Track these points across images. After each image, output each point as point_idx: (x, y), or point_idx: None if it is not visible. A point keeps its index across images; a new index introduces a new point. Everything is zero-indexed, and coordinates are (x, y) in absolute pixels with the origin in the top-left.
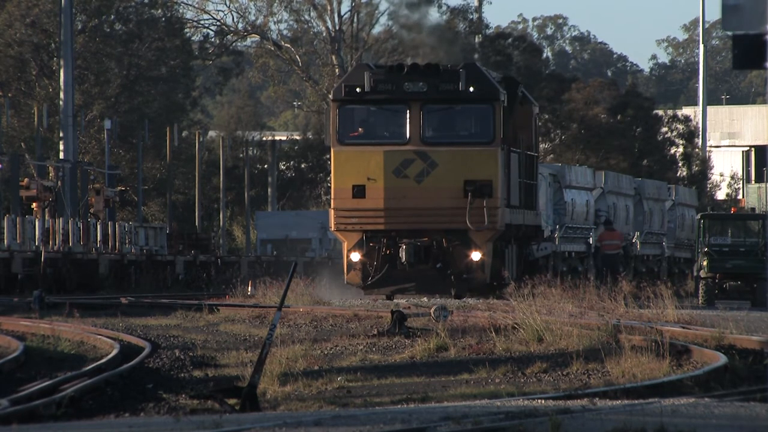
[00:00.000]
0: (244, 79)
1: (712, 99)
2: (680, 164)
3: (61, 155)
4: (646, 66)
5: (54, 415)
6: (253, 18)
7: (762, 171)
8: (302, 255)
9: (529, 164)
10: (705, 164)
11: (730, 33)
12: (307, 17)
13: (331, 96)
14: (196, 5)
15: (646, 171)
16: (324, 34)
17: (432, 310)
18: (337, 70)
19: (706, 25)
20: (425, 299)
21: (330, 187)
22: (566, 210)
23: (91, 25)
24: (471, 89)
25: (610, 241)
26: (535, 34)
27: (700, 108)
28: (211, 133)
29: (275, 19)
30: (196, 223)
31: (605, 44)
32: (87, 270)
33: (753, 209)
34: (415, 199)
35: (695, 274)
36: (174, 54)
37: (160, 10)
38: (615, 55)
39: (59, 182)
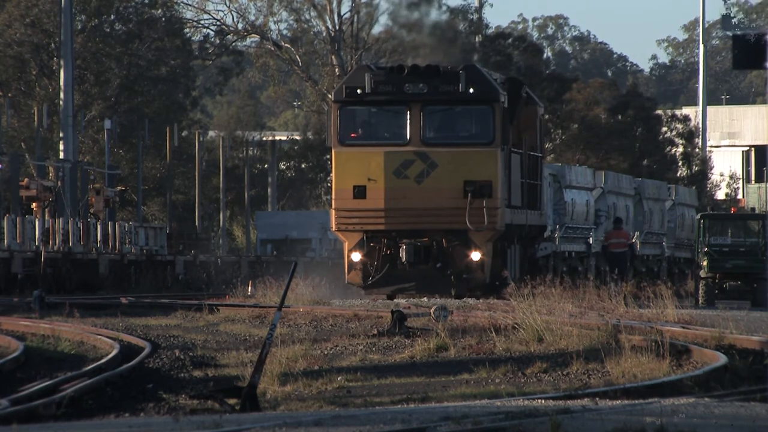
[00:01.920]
0: (244, 79)
1: (712, 99)
2: (680, 164)
3: (61, 155)
4: (646, 66)
5: (54, 415)
6: (253, 18)
7: (762, 171)
8: (302, 255)
9: (533, 165)
10: (705, 164)
11: (730, 33)
12: (307, 17)
13: (332, 97)
14: (196, 5)
15: (646, 171)
16: (324, 34)
17: (432, 310)
18: (337, 70)
19: (706, 25)
20: (425, 299)
21: (330, 188)
22: (566, 210)
23: (91, 25)
24: (471, 90)
25: (617, 240)
26: (536, 34)
27: (700, 108)
28: (211, 133)
29: (275, 19)
30: (196, 223)
31: (605, 44)
32: (87, 270)
33: (753, 209)
34: (416, 199)
35: (695, 273)
36: (174, 54)
37: (160, 10)
38: (615, 55)
39: (59, 182)
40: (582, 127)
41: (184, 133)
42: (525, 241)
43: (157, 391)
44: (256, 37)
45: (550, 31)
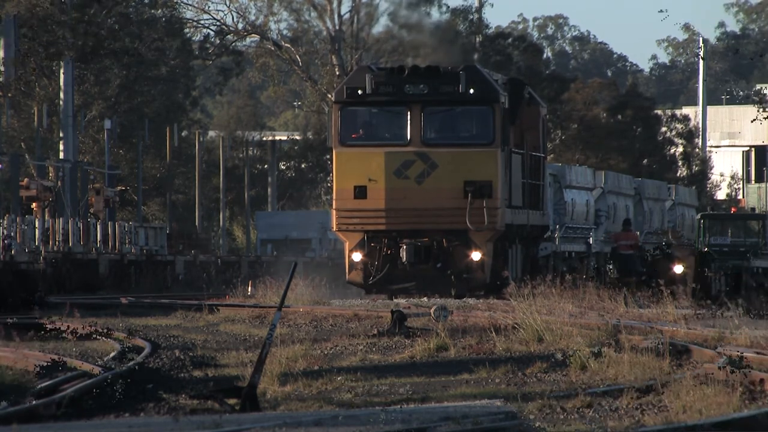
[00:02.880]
0: (244, 79)
1: (712, 99)
2: (680, 164)
3: (61, 155)
4: (646, 66)
5: (54, 415)
6: (253, 18)
7: (762, 171)
8: (302, 255)
9: (535, 165)
10: (705, 164)
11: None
12: (307, 17)
13: (332, 97)
14: (196, 5)
15: (646, 171)
16: (324, 34)
17: (432, 310)
18: (337, 70)
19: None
20: (425, 299)
21: (331, 188)
22: (566, 210)
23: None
24: (471, 91)
25: (625, 241)
26: (536, 34)
27: (700, 108)
28: (211, 133)
29: (275, 19)
30: (196, 223)
31: (605, 44)
32: (87, 270)
33: (753, 209)
34: (416, 199)
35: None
36: (174, 54)
37: (160, 10)
38: (615, 55)
39: (59, 182)
40: (581, 127)
41: (184, 133)
42: (527, 241)
43: (157, 391)
44: (256, 37)
45: (550, 31)
